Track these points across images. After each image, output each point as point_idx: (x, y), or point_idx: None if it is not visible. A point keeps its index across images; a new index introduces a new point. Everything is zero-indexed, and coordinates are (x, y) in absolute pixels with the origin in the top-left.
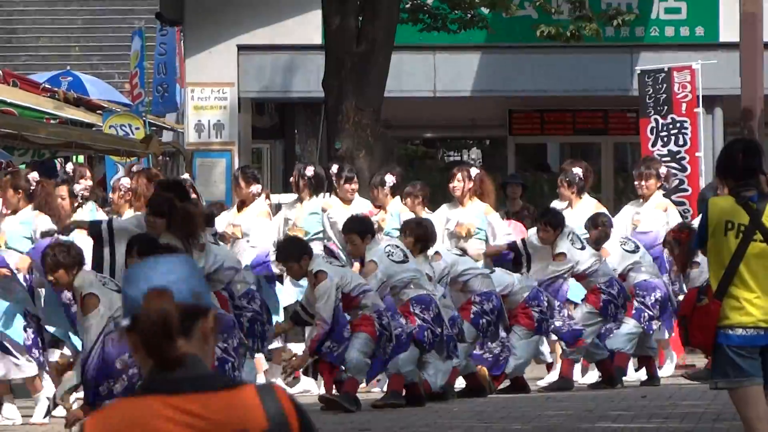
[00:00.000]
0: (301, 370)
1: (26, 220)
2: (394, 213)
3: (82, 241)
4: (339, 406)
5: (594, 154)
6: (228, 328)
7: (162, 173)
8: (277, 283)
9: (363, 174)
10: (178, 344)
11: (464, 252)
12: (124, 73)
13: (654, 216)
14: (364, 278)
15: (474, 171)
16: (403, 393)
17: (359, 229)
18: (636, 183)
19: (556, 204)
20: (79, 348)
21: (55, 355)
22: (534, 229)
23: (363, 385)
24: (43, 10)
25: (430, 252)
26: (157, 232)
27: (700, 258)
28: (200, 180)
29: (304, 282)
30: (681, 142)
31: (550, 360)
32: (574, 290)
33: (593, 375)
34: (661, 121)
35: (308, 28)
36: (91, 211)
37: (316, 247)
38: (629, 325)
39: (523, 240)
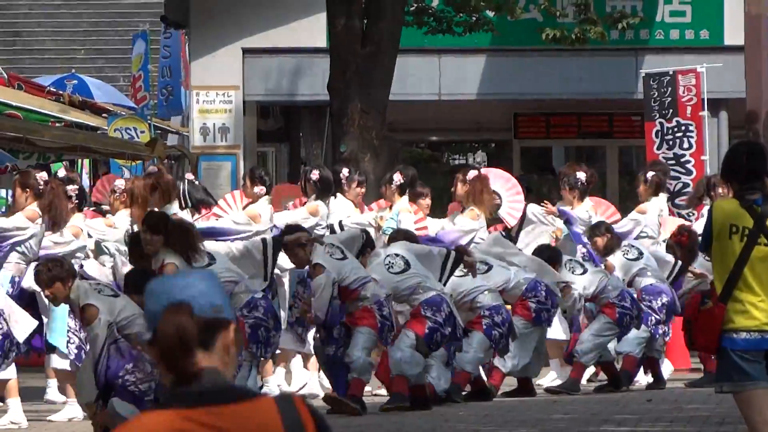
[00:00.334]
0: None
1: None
2: (394, 212)
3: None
4: (345, 407)
5: (599, 157)
6: None
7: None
8: None
9: (368, 177)
10: (196, 358)
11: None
12: (129, 77)
13: (626, 220)
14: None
15: (471, 173)
16: (407, 395)
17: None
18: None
19: (560, 206)
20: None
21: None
22: (532, 206)
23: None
24: (48, 13)
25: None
26: (154, 250)
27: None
28: (205, 183)
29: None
30: (686, 145)
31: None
32: None
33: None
34: (666, 124)
35: (313, 31)
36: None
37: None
38: (638, 330)
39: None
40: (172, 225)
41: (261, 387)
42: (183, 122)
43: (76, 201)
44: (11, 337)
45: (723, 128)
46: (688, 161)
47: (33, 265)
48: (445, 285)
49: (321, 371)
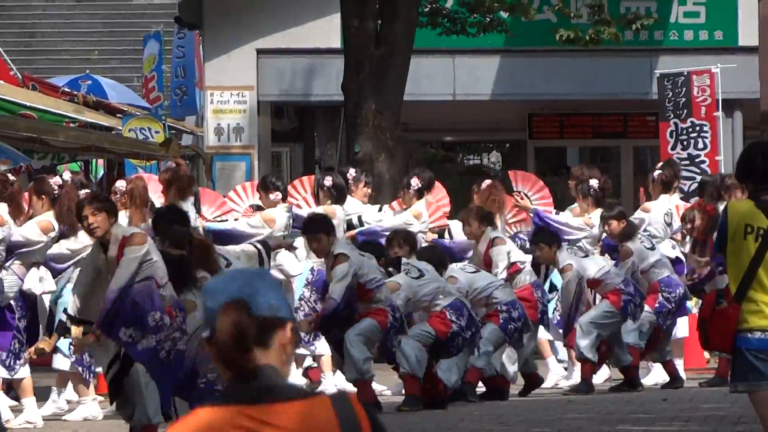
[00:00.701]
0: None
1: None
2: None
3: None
4: None
5: (613, 157)
6: None
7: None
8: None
9: (383, 177)
10: (254, 355)
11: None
12: (142, 77)
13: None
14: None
15: (485, 183)
16: (420, 396)
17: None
18: None
19: (573, 208)
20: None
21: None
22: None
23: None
24: (62, 14)
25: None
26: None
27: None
28: (220, 183)
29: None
30: (700, 145)
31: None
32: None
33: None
34: (680, 124)
35: (327, 31)
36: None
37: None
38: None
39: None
40: (193, 245)
41: None
42: (197, 122)
43: None
44: (20, 338)
45: (737, 128)
46: (703, 161)
47: (33, 269)
48: None
49: (335, 372)
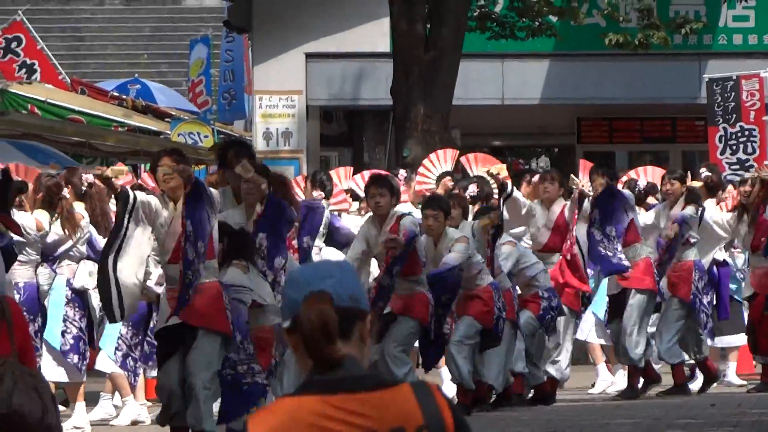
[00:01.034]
0: None
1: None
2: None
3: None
4: None
5: (662, 161)
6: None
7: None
8: None
9: None
10: (337, 346)
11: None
12: (189, 81)
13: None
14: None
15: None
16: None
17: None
18: None
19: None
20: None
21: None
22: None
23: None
24: (111, 18)
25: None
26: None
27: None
28: None
29: None
30: (749, 150)
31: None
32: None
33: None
34: (729, 129)
35: (376, 35)
36: None
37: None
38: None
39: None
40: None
41: None
42: (246, 127)
43: None
44: (84, 338)
45: None
46: (752, 166)
47: (83, 264)
48: None
49: None
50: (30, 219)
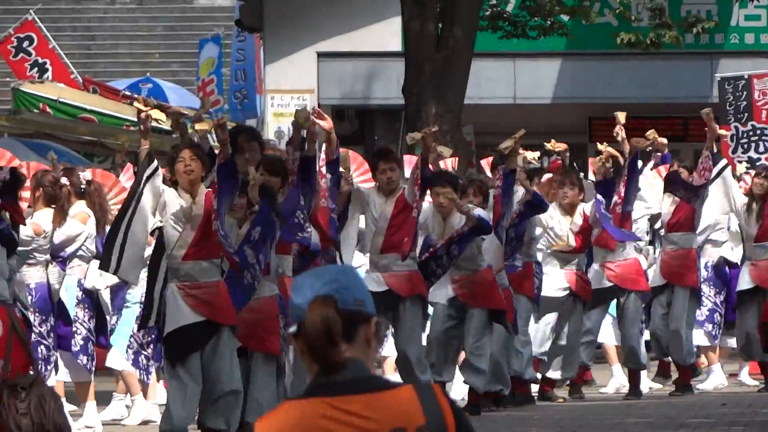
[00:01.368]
0: None
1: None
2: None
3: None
4: None
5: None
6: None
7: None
8: None
9: None
10: (341, 349)
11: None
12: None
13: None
14: None
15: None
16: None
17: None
18: None
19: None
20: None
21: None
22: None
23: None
24: (122, 17)
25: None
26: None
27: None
28: None
29: None
30: (761, 149)
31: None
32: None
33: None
34: (741, 128)
35: (388, 35)
36: None
37: None
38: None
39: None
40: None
41: None
42: (257, 126)
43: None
44: (92, 339)
45: None
46: (764, 165)
47: (93, 264)
48: None
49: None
50: (26, 228)
